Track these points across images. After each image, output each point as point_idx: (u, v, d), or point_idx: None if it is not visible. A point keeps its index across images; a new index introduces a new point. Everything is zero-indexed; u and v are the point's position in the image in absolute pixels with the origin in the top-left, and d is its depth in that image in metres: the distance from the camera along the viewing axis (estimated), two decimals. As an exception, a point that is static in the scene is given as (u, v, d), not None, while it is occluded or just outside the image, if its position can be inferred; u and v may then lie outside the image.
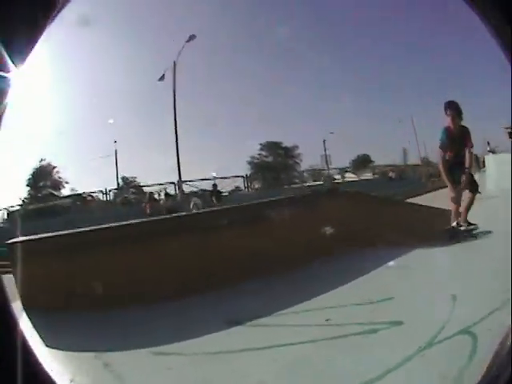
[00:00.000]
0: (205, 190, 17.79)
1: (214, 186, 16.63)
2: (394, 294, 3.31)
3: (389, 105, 26.50)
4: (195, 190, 18.53)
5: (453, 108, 6.69)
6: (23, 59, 1.48)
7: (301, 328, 2.90)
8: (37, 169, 23.48)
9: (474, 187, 6.73)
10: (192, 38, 18.54)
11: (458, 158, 6.70)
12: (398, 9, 21.24)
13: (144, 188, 21.72)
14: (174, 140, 19.08)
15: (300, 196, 5.03)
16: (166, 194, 16.79)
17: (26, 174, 23.34)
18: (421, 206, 6.72)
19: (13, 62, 1.42)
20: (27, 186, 23.47)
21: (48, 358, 2.69)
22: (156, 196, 17.20)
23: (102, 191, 20.18)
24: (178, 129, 19.23)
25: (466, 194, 6.64)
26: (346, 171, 23.69)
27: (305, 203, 4.99)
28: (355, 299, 3.24)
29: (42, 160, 23.50)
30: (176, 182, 18.62)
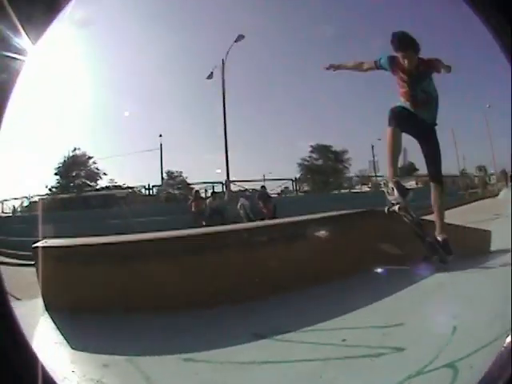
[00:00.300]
0: (253, 190, 17.86)
1: (263, 187, 16.61)
2: (408, 318, 3.23)
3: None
4: (243, 189, 18.65)
5: (407, 45, 4.68)
6: (40, 36, 1.52)
7: (319, 346, 2.96)
8: (69, 158, 22.77)
9: (438, 174, 4.88)
10: (240, 38, 18.66)
11: (418, 111, 4.82)
12: (396, 9, 20.49)
13: (190, 185, 21.75)
14: (223, 138, 19.29)
15: (335, 215, 4.88)
16: (213, 193, 16.94)
17: (56, 162, 22.70)
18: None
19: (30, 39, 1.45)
20: (56, 174, 22.86)
21: (75, 360, 2.88)
22: (202, 194, 17.41)
23: (144, 186, 20.27)
24: (227, 127, 19.42)
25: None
26: None
27: (341, 222, 4.80)
28: (373, 321, 3.23)
29: (75, 149, 22.98)
30: (224, 182, 18.83)
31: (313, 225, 4.60)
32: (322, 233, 4.35)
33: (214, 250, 4.03)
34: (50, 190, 21.83)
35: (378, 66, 5.00)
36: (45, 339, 3.14)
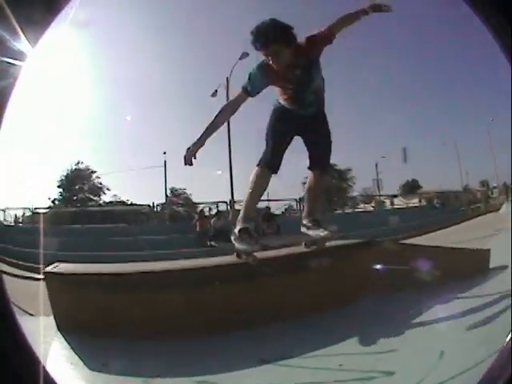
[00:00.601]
0: (257, 209, 17.78)
1: (267, 207, 16.55)
2: (401, 344, 3.30)
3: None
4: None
5: (267, 39, 3.52)
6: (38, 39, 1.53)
7: (318, 370, 3.07)
8: (72, 171, 22.95)
9: (328, 157, 4.22)
10: (244, 55, 18.73)
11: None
12: (396, 9, 20.73)
13: (194, 204, 21.61)
14: (228, 157, 19.30)
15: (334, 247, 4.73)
16: (218, 212, 16.90)
17: (59, 174, 22.98)
18: (439, 248, 5.41)
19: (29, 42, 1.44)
20: (59, 187, 22.96)
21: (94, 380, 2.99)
22: (206, 213, 17.35)
23: (148, 205, 20.08)
24: (231, 146, 19.43)
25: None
26: (395, 196, 23.29)
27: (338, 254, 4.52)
28: (369, 347, 3.36)
29: (79, 163, 23.31)
30: (228, 201, 18.81)
31: (313, 257, 4.40)
32: (323, 264, 4.18)
33: (225, 280, 3.96)
34: (52, 202, 22.16)
35: (248, 91, 3.81)
36: (59, 359, 3.19)
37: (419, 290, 4.02)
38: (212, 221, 15.16)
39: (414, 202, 22.84)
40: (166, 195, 22.33)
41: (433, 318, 3.72)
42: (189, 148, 3.73)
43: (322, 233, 4.13)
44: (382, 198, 23.15)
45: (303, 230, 4.28)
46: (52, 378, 1.56)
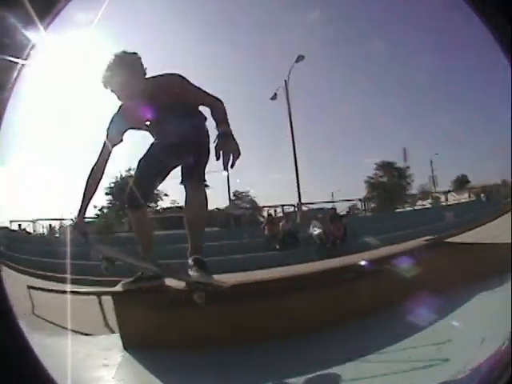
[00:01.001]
0: (322, 209, 17.80)
1: (333, 209, 16.45)
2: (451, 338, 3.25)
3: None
4: (314, 209, 18.53)
5: (110, 75, 3.41)
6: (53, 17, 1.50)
7: (388, 365, 3.07)
8: (123, 177, 20.09)
9: (197, 172, 3.57)
10: (300, 58, 18.73)
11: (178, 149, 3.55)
12: (395, 8, 19.73)
13: (260, 207, 21.65)
14: (293, 160, 19.29)
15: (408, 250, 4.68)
16: (286, 215, 16.94)
17: (107, 181, 20.34)
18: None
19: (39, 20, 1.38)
20: (107, 194, 21.11)
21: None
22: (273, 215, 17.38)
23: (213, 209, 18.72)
24: (296, 149, 19.39)
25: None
26: (449, 192, 23.58)
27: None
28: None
29: (130, 169, 22.19)
30: (295, 204, 18.77)
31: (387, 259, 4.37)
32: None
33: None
34: (100, 210, 21.02)
35: (109, 139, 3.60)
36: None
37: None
38: (281, 224, 15.20)
39: (465, 196, 22.90)
40: (230, 199, 21.96)
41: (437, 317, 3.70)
42: (75, 224, 3.72)
43: (200, 277, 3.38)
44: (436, 194, 23.36)
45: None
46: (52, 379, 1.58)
